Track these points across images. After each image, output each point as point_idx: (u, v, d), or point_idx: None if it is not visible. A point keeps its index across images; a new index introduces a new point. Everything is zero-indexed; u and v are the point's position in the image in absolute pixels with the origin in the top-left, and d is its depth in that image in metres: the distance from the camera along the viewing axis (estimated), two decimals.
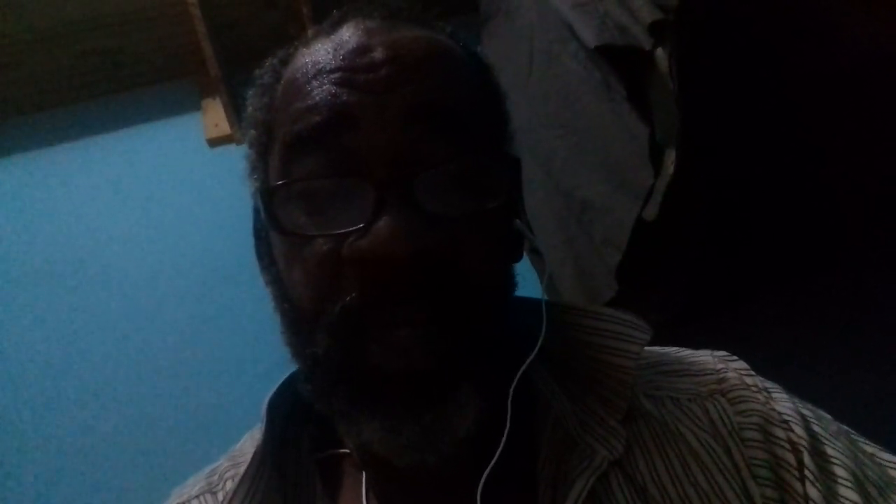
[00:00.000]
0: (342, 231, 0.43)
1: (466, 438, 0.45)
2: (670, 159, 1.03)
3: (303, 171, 0.46)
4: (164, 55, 2.03)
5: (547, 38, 1.36)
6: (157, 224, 1.89)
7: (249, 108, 0.54)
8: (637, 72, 1.08)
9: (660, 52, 1.00)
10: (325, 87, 0.46)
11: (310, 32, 0.54)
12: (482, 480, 0.47)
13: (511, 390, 0.49)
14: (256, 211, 0.56)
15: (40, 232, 1.89)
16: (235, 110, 1.93)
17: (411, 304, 0.43)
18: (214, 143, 1.96)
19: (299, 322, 0.47)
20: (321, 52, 0.49)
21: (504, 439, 0.47)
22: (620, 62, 1.11)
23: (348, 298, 0.43)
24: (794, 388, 0.55)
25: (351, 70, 0.46)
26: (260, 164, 0.52)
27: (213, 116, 1.98)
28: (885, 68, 1.06)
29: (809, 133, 1.12)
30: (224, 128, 1.95)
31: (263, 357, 1.68)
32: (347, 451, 0.54)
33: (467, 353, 0.44)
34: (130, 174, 1.96)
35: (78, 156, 1.99)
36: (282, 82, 0.51)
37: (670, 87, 0.99)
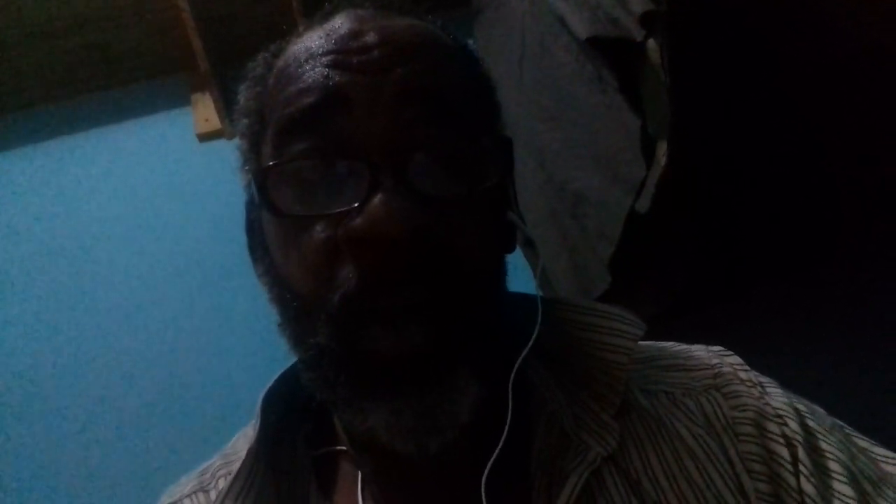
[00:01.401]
0: (336, 211, 0.43)
1: (464, 429, 0.45)
2: (662, 151, 1.03)
3: (296, 154, 0.46)
4: (154, 50, 2.02)
5: (539, 30, 1.36)
6: (147, 218, 1.89)
7: (241, 99, 0.53)
8: (629, 63, 1.08)
9: (651, 43, 1.00)
10: (317, 70, 0.46)
11: (301, 27, 0.53)
12: (486, 472, 0.46)
13: (511, 378, 0.49)
14: (248, 204, 0.55)
15: (30, 226, 1.88)
16: (226, 105, 1.93)
17: (408, 287, 0.42)
18: (204, 137, 1.96)
19: (299, 310, 0.46)
20: (313, 39, 0.49)
21: (507, 429, 0.47)
22: (612, 54, 1.11)
23: (347, 287, 0.43)
24: (789, 383, 0.55)
25: (343, 52, 0.46)
26: (252, 154, 0.51)
27: (203, 111, 1.98)
28: (878, 60, 1.06)
29: (803, 125, 1.12)
30: (214, 122, 1.95)
31: (255, 351, 1.68)
32: (343, 448, 0.54)
33: (463, 337, 0.44)
34: (121, 169, 1.96)
35: (68, 151, 1.98)
36: (274, 71, 0.51)
37: (662, 79, 0.99)
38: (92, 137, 2.00)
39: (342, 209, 0.43)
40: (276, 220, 0.47)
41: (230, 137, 1.91)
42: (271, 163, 0.47)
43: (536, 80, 1.39)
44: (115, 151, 1.98)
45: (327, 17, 0.51)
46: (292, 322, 0.48)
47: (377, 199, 0.41)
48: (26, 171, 1.95)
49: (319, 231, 0.44)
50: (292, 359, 0.57)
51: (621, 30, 1.05)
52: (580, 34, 1.15)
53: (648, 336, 0.55)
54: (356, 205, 0.42)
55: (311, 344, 0.45)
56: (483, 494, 0.46)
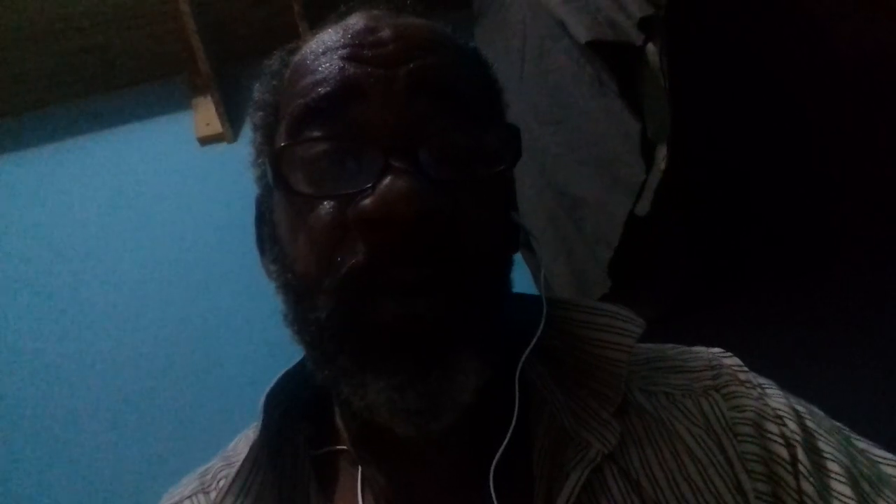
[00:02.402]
0: (348, 192, 0.44)
1: (465, 418, 0.45)
2: (662, 155, 1.03)
3: (310, 138, 0.47)
4: (155, 53, 2.02)
5: (539, 34, 1.36)
6: (147, 222, 1.89)
7: (256, 94, 0.55)
8: (629, 67, 1.08)
9: (651, 47, 1.00)
10: (333, 62, 0.48)
11: (310, 30, 0.55)
12: (493, 464, 0.47)
13: (519, 369, 0.50)
14: (259, 198, 0.57)
15: (30, 230, 1.88)
16: (226, 108, 1.92)
17: (415, 264, 0.43)
18: (205, 141, 1.96)
19: (303, 289, 0.47)
20: (329, 34, 0.51)
21: (514, 421, 0.48)
22: (612, 58, 1.11)
23: (355, 260, 0.44)
24: (788, 385, 0.55)
25: (359, 46, 0.48)
26: (266, 146, 0.52)
27: (204, 115, 1.97)
28: (879, 62, 1.07)
29: (803, 128, 1.12)
30: (215, 126, 1.95)
31: (255, 354, 1.68)
32: (343, 447, 0.54)
33: (467, 315, 0.45)
34: (121, 173, 1.96)
35: (68, 155, 1.98)
36: (290, 66, 0.53)
37: (661, 83, 0.99)
38: (92, 141, 2.00)
39: (354, 191, 0.44)
40: (288, 201, 0.48)
41: (231, 141, 1.92)
42: (283, 144, 0.48)
43: (536, 83, 1.39)
44: (115, 155, 1.98)
45: (342, 17, 0.53)
46: (296, 303, 0.48)
47: (388, 181, 0.42)
48: (26, 174, 1.95)
49: (329, 211, 0.45)
50: (293, 361, 0.58)
51: (621, 34, 1.05)
52: (580, 38, 1.15)
53: (648, 339, 0.56)
54: (368, 186, 0.43)
55: (314, 319, 0.46)
56: (492, 488, 0.46)
